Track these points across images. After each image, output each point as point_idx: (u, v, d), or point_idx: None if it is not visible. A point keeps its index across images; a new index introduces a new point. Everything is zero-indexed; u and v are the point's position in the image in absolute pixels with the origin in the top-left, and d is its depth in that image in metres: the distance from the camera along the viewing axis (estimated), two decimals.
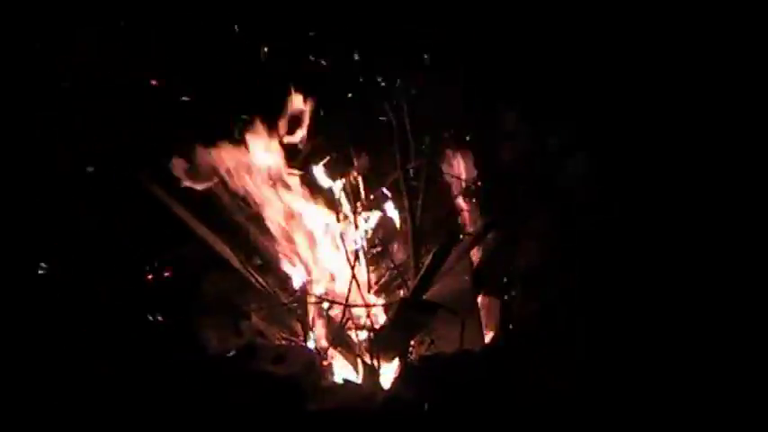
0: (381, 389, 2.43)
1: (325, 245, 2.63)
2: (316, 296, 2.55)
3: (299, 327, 2.55)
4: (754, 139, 2.60)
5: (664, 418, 2.17)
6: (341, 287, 2.57)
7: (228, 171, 2.51)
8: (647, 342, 2.33)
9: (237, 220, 2.62)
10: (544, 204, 2.64)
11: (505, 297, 2.59)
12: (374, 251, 2.68)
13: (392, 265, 2.67)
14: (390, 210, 2.68)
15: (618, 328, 2.37)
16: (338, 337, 2.51)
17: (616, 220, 2.56)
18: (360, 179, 2.65)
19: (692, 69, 2.67)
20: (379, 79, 2.61)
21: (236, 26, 2.65)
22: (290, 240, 2.62)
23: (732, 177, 2.58)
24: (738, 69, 2.65)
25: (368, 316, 2.49)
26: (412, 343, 2.52)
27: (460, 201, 2.72)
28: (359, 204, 2.62)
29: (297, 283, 2.59)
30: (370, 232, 2.65)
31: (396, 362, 2.50)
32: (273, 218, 2.59)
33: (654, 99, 2.66)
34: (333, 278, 2.62)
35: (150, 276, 2.59)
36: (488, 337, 2.55)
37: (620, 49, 2.69)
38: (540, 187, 2.66)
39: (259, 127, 2.52)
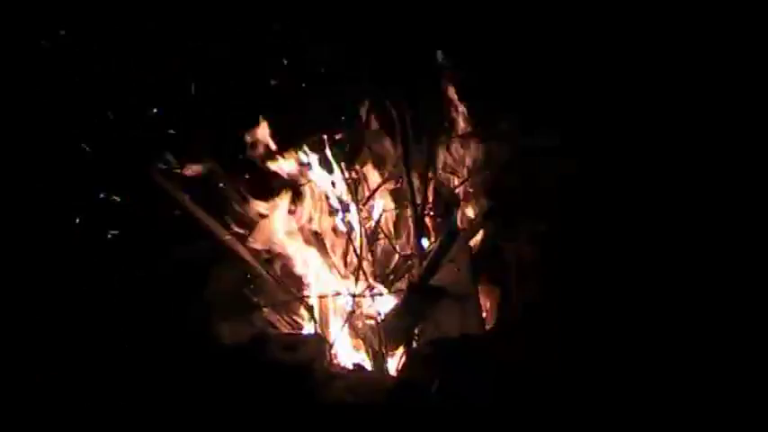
0: (389, 373, 2.52)
1: (330, 236, 2.70)
2: (323, 287, 2.62)
3: (307, 316, 2.60)
4: (749, 139, 2.66)
5: (662, 415, 2.18)
6: (348, 277, 2.65)
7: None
8: (641, 335, 2.36)
9: (244, 214, 2.67)
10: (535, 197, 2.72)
11: (503, 284, 2.65)
12: (379, 241, 2.74)
13: (397, 255, 2.74)
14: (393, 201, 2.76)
15: (608, 317, 2.41)
16: (346, 324, 2.57)
17: (607, 214, 2.61)
18: (363, 171, 2.72)
19: (685, 70, 2.74)
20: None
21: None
22: (297, 232, 2.68)
23: (727, 177, 2.63)
24: (733, 71, 2.71)
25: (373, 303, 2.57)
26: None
27: (461, 191, 2.79)
28: (362, 196, 2.68)
29: (305, 274, 2.65)
30: (374, 223, 2.71)
31: (401, 347, 2.57)
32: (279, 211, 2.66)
33: (648, 100, 2.73)
34: (339, 268, 2.69)
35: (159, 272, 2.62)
36: (488, 323, 2.62)
37: (613, 49, 2.75)
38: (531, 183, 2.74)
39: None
